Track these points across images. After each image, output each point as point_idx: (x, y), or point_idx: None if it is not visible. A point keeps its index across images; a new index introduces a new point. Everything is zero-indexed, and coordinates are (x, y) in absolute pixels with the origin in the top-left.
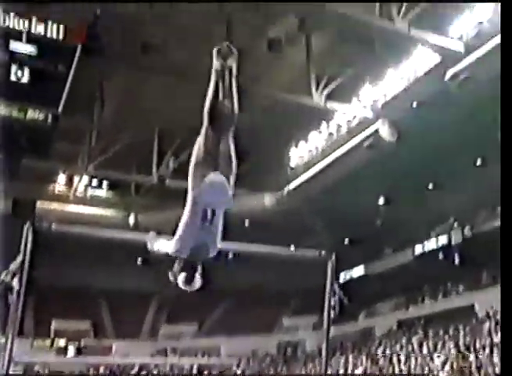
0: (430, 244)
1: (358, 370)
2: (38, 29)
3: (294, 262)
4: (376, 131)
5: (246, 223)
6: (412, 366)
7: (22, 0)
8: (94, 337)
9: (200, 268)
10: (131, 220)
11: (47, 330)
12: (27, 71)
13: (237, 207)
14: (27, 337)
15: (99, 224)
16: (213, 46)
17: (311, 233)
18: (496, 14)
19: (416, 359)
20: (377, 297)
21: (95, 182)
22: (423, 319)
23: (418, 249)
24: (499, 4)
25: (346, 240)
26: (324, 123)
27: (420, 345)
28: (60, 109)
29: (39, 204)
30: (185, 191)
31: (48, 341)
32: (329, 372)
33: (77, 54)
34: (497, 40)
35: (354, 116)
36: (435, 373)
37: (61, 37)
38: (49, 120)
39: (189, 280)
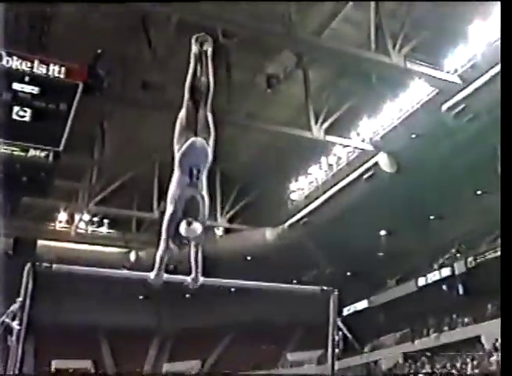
0: (434, 275)
1: None
2: (40, 69)
3: (297, 297)
4: (376, 163)
5: (248, 258)
6: None
7: (21, 0)
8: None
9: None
10: (132, 257)
11: (47, 369)
12: (29, 110)
13: (239, 242)
14: None
15: (100, 261)
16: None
17: (313, 267)
18: (490, 47)
19: None
20: (382, 330)
21: (95, 219)
22: (429, 351)
23: (421, 280)
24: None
25: (348, 273)
26: (324, 157)
27: None
28: (61, 147)
29: (40, 242)
30: None
31: None
32: None
33: (79, 93)
34: (492, 72)
35: (353, 149)
36: None
37: (62, 76)
38: (50, 158)
39: (189, 224)
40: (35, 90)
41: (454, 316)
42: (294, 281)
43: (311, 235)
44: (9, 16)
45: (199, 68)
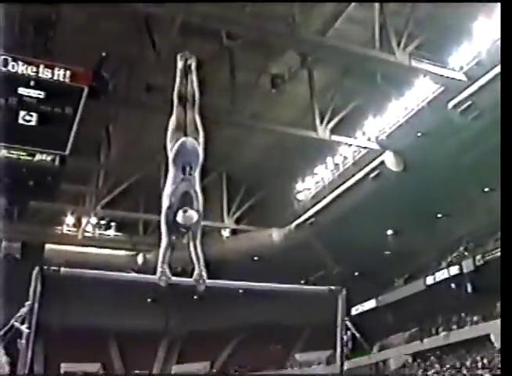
0: (442, 274)
1: None
2: (46, 74)
3: (305, 297)
4: (382, 162)
5: (255, 259)
6: None
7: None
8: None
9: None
10: (140, 259)
11: (57, 373)
12: (34, 115)
13: (245, 243)
14: None
15: (108, 264)
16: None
17: (321, 267)
18: (495, 44)
19: None
20: (390, 329)
21: (103, 222)
22: (438, 350)
23: (429, 279)
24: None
25: (356, 273)
26: (330, 156)
27: None
28: (68, 151)
29: (48, 245)
30: None
31: None
32: None
33: (84, 96)
34: (498, 69)
35: (359, 148)
36: None
37: (67, 80)
38: (57, 162)
39: (185, 212)
40: (41, 94)
41: (463, 314)
42: (302, 281)
43: (318, 235)
44: (15, 21)
45: (185, 80)
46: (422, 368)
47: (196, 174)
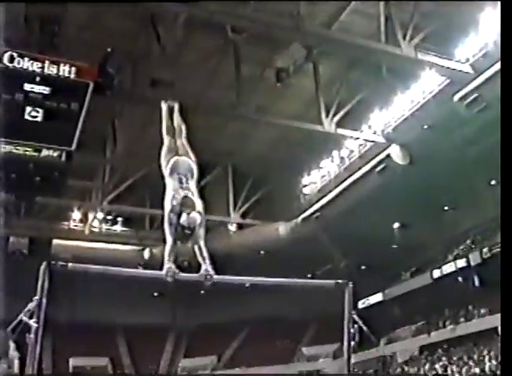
0: (449, 267)
1: None
2: (51, 69)
3: (311, 291)
4: (388, 155)
5: (262, 253)
6: None
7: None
8: (113, 373)
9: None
10: (146, 254)
11: (65, 367)
12: (41, 111)
13: (251, 237)
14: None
15: (115, 259)
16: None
17: (327, 261)
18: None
19: None
20: (397, 322)
21: (109, 217)
22: (445, 343)
23: (436, 272)
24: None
25: (363, 266)
26: (336, 150)
27: (445, 371)
28: (74, 146)
29: (55, 241)
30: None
31: None
32: None
33: (89, 92)
34: None
35: (365, 141)
36: None
37: (73, 76)
38: (63, 158)
39: (188, 214)
40: (46, 90)
41: (470, 307)
42: (308, 275)
43: (324, 229)
44: (20, 17)
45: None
46: (429, 361)
47: (193, 183)
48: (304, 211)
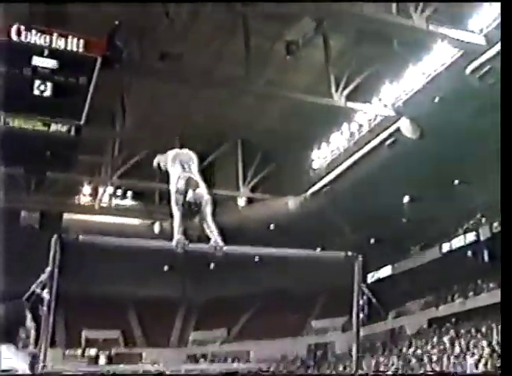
0: (458, 241)
1: (390, 372)
2: (59, 43)
3: (321, 264)
4: (398, 129)
5: (271, 227)
6: (445, 366)
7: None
8: (124, 345)
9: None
10: (157, 228)
11: (78, 339)
12: (49, 85)
13: (261, 211)
14: (59, 347)
15: (125, 233)
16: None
17: (337, 235)
18: None
19: (448, 358)
20: (406, 296)
21: (119, 192)
22: (454, 317)
23: (446, 247)
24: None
25: (372, 240)
26: (345, 123)
27: (452, 344)
28: (83, 121)
29: (65, 215)
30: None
31: (79, 351)
32: (360, 373)
33: (98, 66)
34: None
35: (375, 115)
36: (469, 372)
37: (81, 50)
38: (72, 132)
39: (194, 190)
40: (54, 64)
41: (479, 281)
42: (318, 249)
43: (334, 203)
44: None
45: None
46: (437, 335)
47: (194, 168)
48: (314, 185)
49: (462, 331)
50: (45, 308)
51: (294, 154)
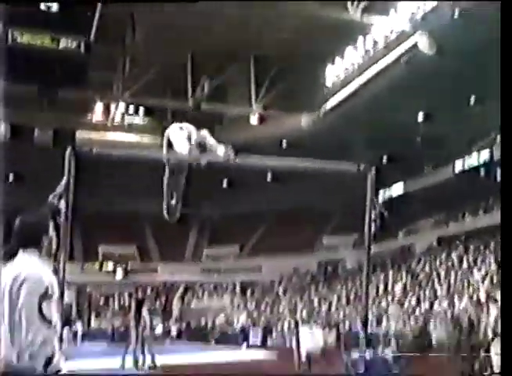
0: (472, 160)
1: (398, 286)
2: None
3: (333, 181)
4: (415, 44)
5: (284, 145)
6: (452, 281)
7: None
8: (140, 260)
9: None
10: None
11: (95, 254)
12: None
13: (274, 129)
14: (78, 261)
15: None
16: None
17: (349, 153)
18: None
19: (455, 273)
20: (417, 214)
21: (131, 109)
22: (463, 235)
23: (459, 166)
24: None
25: (385, 159)
26: (361, 38)
27: (460, 261)
28: (92, 37)
29: (78, 133)
30: (220, 115)
31: (96, 265)
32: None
33: None
34: None
35: (391, 30)
36: (475, 286)
37: None
38: (82, 49)
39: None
40: None
41: (490, 200)
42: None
43: (346, 121)
44: None
45: None
46: (446, 252)
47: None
48: (327, 102)
49: (470, 248)
50: (62, 218)
51: (308, 71)
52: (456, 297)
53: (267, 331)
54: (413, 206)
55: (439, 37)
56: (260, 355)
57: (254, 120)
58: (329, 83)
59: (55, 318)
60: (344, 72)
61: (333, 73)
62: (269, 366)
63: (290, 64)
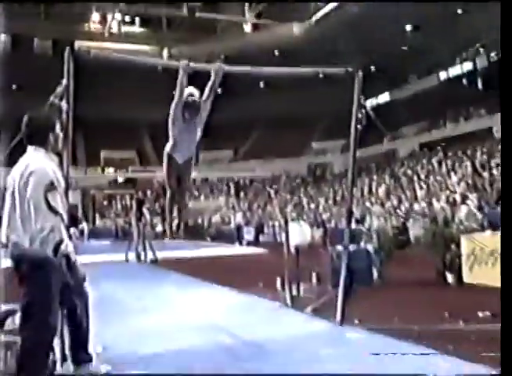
0: (456, 70)
1: (382, 188)
2: None
3: (323, 87)
4: None
5: (276, 54)
6: (431, 183)
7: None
8: (140, 165)
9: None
10: (165, 53)
11: (97, 159)
12: None
13: (266, 37)
14: (81, 166)
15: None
16: None
17: (338, 62)
18: None
19: (435, 177)
20: (402, 121)
21: (127, 18)
22: (444, 141)
23: (443, 75)
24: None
25: (372, 68)
26: None
27: (440, 165)
28: None
29: (76, 43)
30: (214, 21)
31: (99, 169)
32: (354, 191)
33: None
34: None
35: None
36: (452, 189)
37: None
38: None
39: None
40: None
41: (471, 108)
42: (320, 76)
43: (336, 31)
44: None
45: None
46: (427, 156)
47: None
48: (318, 11)
49: (449, 154)
50: (64, 116)
51: None
52: (434, 198)
53: (259, 229)
54: (399, 113)
55: None
56: (253, 250)
57: (247, 28)
58: None
59: (61, 209)
60: None
61: None
62: (261, 258)
63: None
